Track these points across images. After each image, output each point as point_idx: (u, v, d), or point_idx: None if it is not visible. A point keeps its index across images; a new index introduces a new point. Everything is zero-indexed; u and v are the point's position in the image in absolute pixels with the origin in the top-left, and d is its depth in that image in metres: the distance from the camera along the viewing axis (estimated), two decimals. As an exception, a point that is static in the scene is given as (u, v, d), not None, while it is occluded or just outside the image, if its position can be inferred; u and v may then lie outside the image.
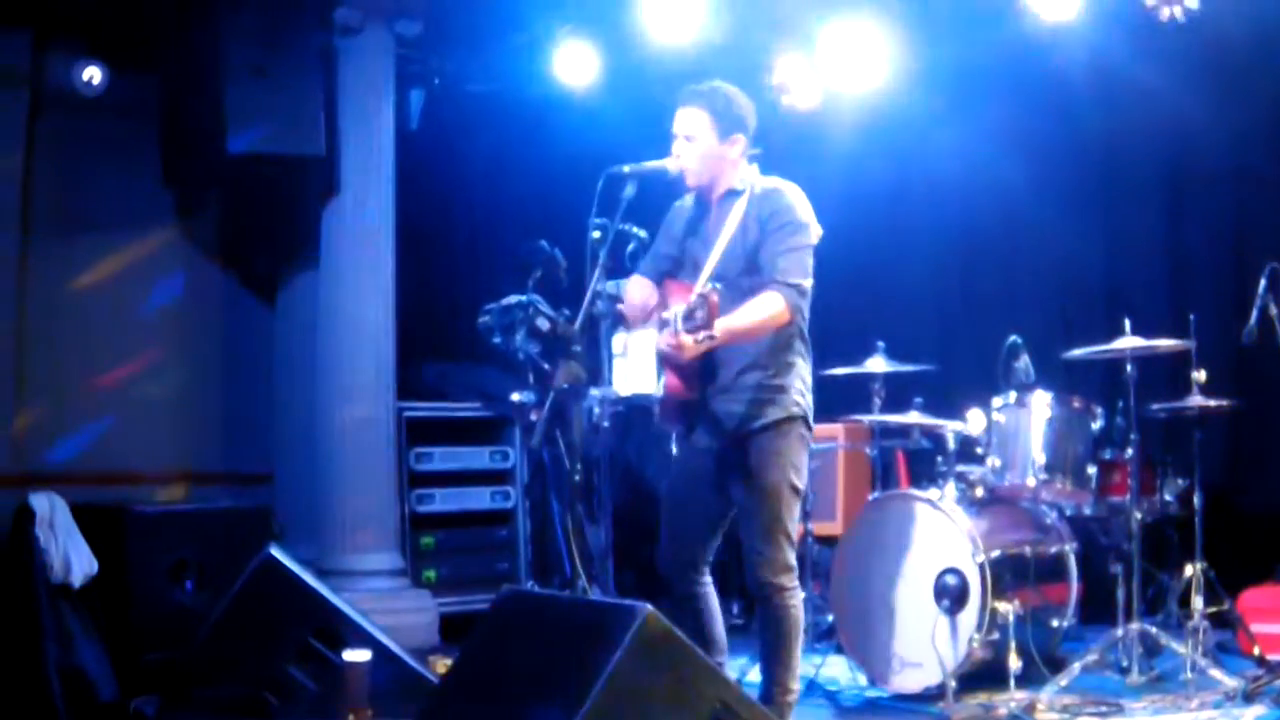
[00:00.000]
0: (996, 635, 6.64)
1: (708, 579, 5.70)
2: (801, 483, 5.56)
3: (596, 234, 5.43)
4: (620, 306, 5.61)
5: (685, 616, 5.51)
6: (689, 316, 4.96)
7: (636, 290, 5.75)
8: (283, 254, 9.70)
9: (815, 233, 5.51)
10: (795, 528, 5.57)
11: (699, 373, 5.47)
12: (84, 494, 7.53)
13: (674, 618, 4.54)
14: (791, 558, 5.51)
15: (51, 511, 6.77)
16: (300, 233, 9.20)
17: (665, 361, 5.40)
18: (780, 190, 5.54)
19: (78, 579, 6.74)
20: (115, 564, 7.21)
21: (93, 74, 8.80)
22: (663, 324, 5.24)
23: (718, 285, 5.05)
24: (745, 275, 5.44)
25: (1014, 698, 6.37)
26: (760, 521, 5.46)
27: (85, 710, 6.54)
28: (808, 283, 5.45)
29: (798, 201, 5.52)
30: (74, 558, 6.74)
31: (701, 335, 4.97)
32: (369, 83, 8.86)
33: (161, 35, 8.73)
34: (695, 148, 5.50)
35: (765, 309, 5.32)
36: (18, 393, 8.80)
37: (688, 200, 5.77)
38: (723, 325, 5.07)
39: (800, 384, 5.56)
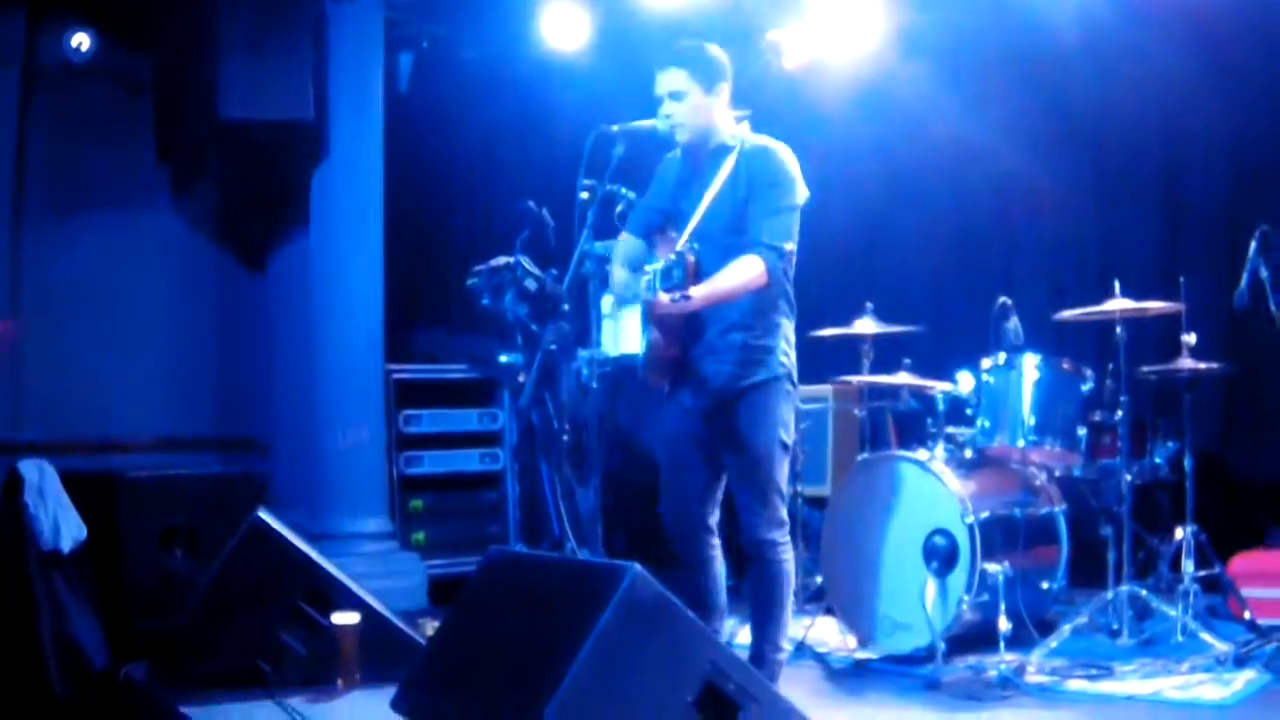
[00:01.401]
0: (986, 597, 6.64)
1: (716, 542, 5.73)
2: (790, 439, 5.59)
3: (585, 194, 5.43)
4: (608, 267, 5.60)
5: (691, 581, 5.53)
6: (666, 275, 4.98)
7: (625, 252, 5.74)
8: (275, 220, 9.70)
9: (802, 194, 5.52)
10: (785, 484, 5.60)
11: (683, 331, 5.48)
12: (76, 462, 7.53)
13: (670, 581, 4.55)
14: (783, 513, 5.56)
15: (41, 478, 6.76)
16: (292, 199, 9.19)
17: (649, 318, 5.40)
18: (770, 149, 5.54)
19: (67, 544, 6.72)
20: (106, 531, 7.21)
21: (81, 40, 8.78)
22: (644, 277, 5.24)
23: (695, 246, 5.06)
24: (729, 233, 5.44)
25: (1003, 660, 6.37)
26: (752, 480, 5.50)
27: (77, 678, 6.53)
28: (790, 245, 5.46)
29: (787, 161, 5.53)
30: (63, 524, 6.72)
31: (677, 295, 4.97)
32: (359, 47, 8.84)
33: (155, 6, 8.71)
34: (685, 104, 5.50)
35: (744, 273, 5.34)
36: (11, 361, 8.79)
37: (678, 153, 5.76)
38: (700, 289, 5.07)
39: (785, 344, 5.58)
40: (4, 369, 8.76)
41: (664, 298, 5.03)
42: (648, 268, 5.15)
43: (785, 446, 5.54)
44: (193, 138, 8.85)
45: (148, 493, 7.67)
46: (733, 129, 5.60)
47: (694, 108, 5.51)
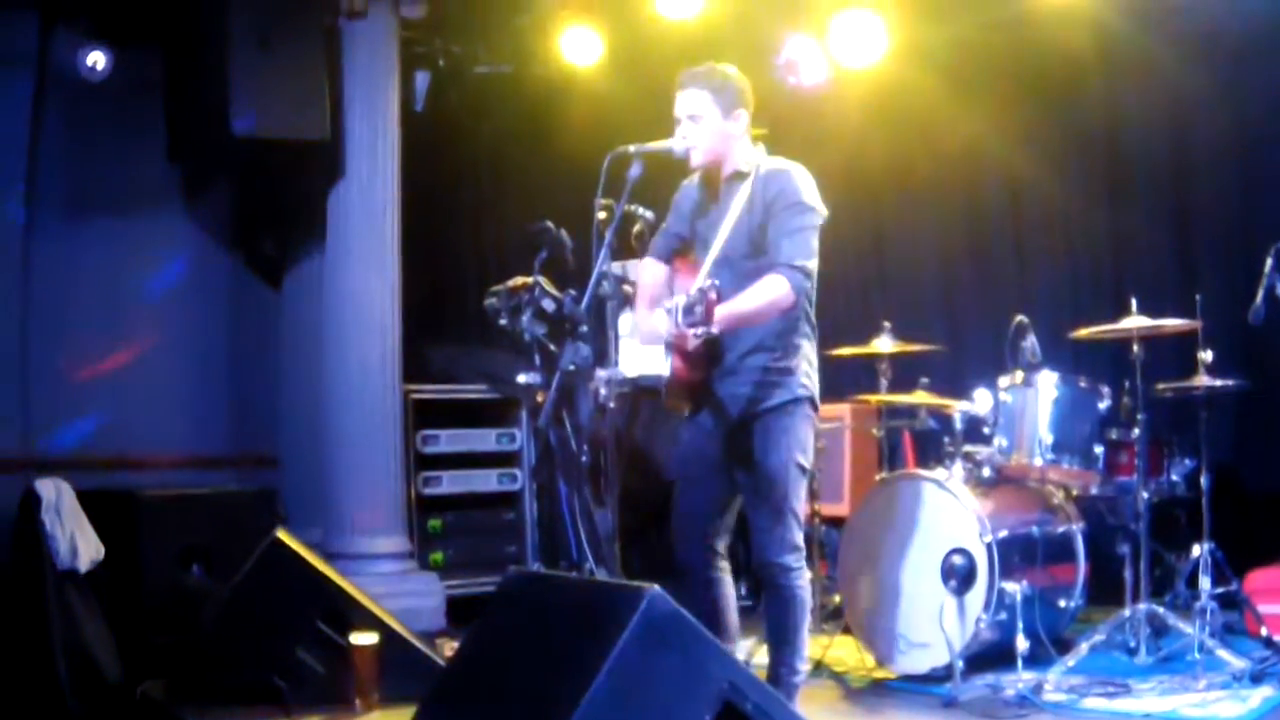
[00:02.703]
0: (1004, 616, 6.63)
1: (724, 564, 5.70)
2: (808, 463, 5.58)
3: (602, 215, 5.42)
4: (626, 288, 5.60)
5: (699, 602, 5.51)
6: (688, 311, 4.95)
7: (649, 275, 5.75)
8: (290, 236, 9.71)
9: (821, 214, 5.51)
10: (803, 508, 5.59)
11: (704, 355, 5.46)
12: (91, 479, 7.53)
13: (686, 601, 4.54)
14: (799, 538, 5.53)
15: (58, 497, 6.78)
16: (307, 215, 9.20)
17: (671, 347, 5.40)
18: (786, 171, 5.54)
19: (84, 564, 6.74)
20: (123, 549, 7.23)
21: (97, 59, 8.78)
22: (665, 311, 5.23)
23: (716, 282, 5.04)
24: (750, 257, 5.45)
25: (1021, 678, 6.36)
26: (768, 502, 5.48)
27: (93, 695, 6.55)
28: (812, 264, 5.44)
29: (803, 183, 5.52)
30: (80, 543, 6.74)
31: (700, 330, 4.96)
32: (374, 65, 8.85)
33: (168, 15, 8.73)
34: (701, 127, 5.51)
35: (768, 293, 5.32)
36: (23, 376, 8.79)
37: (695, 179, 5.77)
38: (723, 313, 5.05)
39: (806, 365, 5.58)
40: (15, 383, 8.75)
41: (687, 333, 5.01)
42: (667, 303, 5.14)
43: (803, 469, 5.53)
44: (206, 149, 8.85)
45: (165, 510, 7.70)
46: (750, 154, 5.60)
47: (711, 131, 5.52)
